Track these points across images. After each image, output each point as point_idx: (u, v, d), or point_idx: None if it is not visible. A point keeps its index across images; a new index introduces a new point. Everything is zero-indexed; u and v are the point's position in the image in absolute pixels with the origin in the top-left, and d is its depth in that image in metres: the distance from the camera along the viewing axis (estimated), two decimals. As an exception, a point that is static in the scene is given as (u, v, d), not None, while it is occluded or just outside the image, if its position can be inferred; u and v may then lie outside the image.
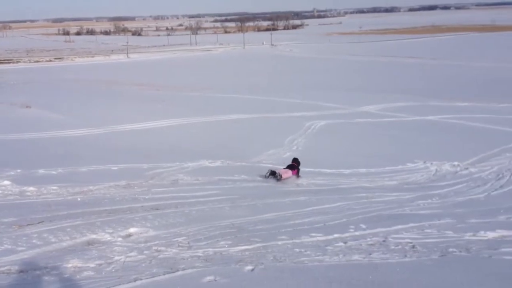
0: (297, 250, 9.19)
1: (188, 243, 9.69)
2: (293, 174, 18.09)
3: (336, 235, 10.32)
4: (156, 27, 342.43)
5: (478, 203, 15.24)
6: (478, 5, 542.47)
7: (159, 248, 9.38)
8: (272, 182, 17.53)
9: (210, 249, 9.21)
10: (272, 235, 10.32)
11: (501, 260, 8.55)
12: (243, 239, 9.86)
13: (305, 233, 10.47)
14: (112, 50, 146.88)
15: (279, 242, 9.71)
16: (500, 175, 19.30)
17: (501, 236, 10.63)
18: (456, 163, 21.44)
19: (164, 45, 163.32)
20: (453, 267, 8.07)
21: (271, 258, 8.65)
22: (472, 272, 7.86)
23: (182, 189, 15.68)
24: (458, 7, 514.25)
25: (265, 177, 17.75)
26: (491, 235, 10.64)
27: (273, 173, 17.66)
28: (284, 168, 18.15)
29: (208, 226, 11.04)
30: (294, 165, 18.42)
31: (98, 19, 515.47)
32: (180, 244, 9.60)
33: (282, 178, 17.52)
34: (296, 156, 19.74)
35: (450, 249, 9.29)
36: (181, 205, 13.35)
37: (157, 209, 12.73)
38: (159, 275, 7.71)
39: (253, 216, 12.28)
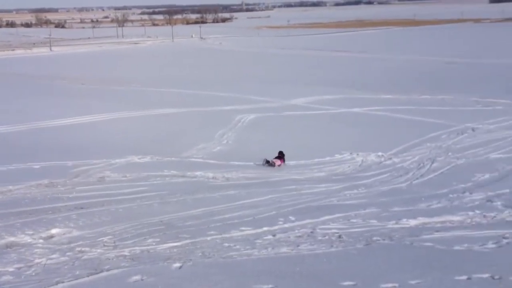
0: (226, 245, 9.16)
1: (114, 242, 9.43)
2: (281, 162, 21.09)
3: (265, 228, 10.37)
4: (81, 19, 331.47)
5: (400, 192, 15.81)
6: (400, 0, 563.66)
7: (83, 249, 9.06)
8: (201, 177, 17.43)
9: (137, 248, 9.00)
10: (201, 230, 10.23)
11: (422, 247, 8.90)
12: (171, 236, 9.71)
13: (235, 228, 10.46)
14: (34, 43, 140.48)
15: (208, 238, 9.64)
16: (421, 165, 20.12)
17: (422, 223, 11.08)
18: (380, 153, 22.15)
19: (89, 38, 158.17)
20: (377, 255, 8.31)
21: (200, 254, 8.56)
22: (394, 259, 8.12)
23: (109, 186, 15.26)
24: (380, 2, 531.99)
25: (262, 165, 20.67)
26: (412, 222, 11.07)
27: (267, 162, 20.81)
28: (275, 158, 21.18)
29: (135, 224, 10.80)
30: (281, 156, 21.38)
31: (18, 11, 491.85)
32: (106, 244, 9.33)
33: (276, 165, 20.79)
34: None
35: (374, 238, 9.57)
36: (107, 203, 12.98)
37: (82, 208, 12.31)
38: (83, 277, 7.43)
39: (183, 212, 12.13)
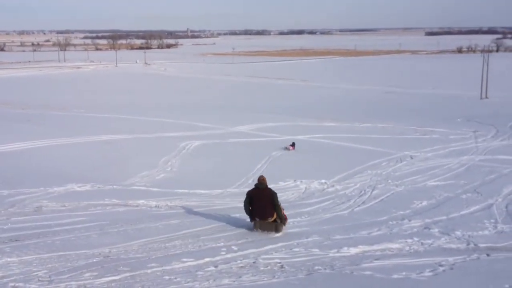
0: (167, 277, 8.96)
1: (50, 276, 9.04)
2: (292, 148, 30.21)
3: (207, 259, 10.24)
4: (21, 42, 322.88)
5: (342, 219, 16.06)
6: (341, 31, 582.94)
7: (16, 284, 8.63)
8: (144, 206, 17.15)
9: (73, 283, 8.66)
10: (142, 263, 9.97)
11: (362, 276, 9.05)
12: (110, 269, 9.41)
13: (176, 259, 10.27)
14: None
15: (149, 271, 9.40)
16: (362, 192, 20.55)
17: (362, 251, 11.27)
18: (323, 181, 22.48)
19: (29, 61, 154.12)
20: (318, 285, 8.37)
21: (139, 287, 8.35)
22: (336, 289, 8.20)
23: (46, 217, 14.69)
24: (323, 32, 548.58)
25: (283, 149, 30.21)
26: (353, 251, 11.24)
27: (286, 148, 30.33)
28: (290, 145, 30.39)
29: (72, 257, 10.41)
30: (293, 144, 30.46)
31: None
32: (40, 279, 8.93)
33: (288, 148, 30.22)
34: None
35: (316, 267, 9.64)
36: (43, 234, 12.47)
37: (17, 240, 11.77)
38: (15, 315, 7.08)
39: (123, 243, 11.80)
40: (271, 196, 14.08)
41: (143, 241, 12.09)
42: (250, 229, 13.89)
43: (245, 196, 14.50)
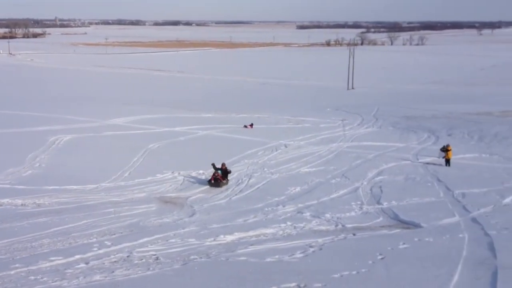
0: (33, 277, 8.44)
1: None
2: (251, 127, 34.36)
3: (77, 256, 9.79)
4: None
5: (220, 208, 16.24)
6: (217, 22, 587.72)
7: None
8: (8, 205, 15.96)
9: None
10: (5, 264, 9.28)
11: (236, 262, 9.19)
12: (-33, 274, 8.66)
13: (43, 258, 9.69)
14: None
15: (12, 272, 8.78)
16: (240, 181, 20.92)
17: (238, 238, 11.47)
18: (201, 171, 22.52)
19: None
20: (194, 274, 8.36)
21: (1, 291, 7.77)
22: (211, 276, 8.25)
23: None
24: (199, 24, 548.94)
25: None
26: (229, 238, 11.40)
27: (245, 126, 33.78)
28: (249, 125, 34.15)
29: None
30: (252, 124, 34.37)
31: None
32: None
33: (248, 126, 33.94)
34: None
35: (192, 257, 9.63)
36: None
37: None
38: None
39: (-17, 246, 10.91)
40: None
41: (6, 242, 11.25)
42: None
43: None
